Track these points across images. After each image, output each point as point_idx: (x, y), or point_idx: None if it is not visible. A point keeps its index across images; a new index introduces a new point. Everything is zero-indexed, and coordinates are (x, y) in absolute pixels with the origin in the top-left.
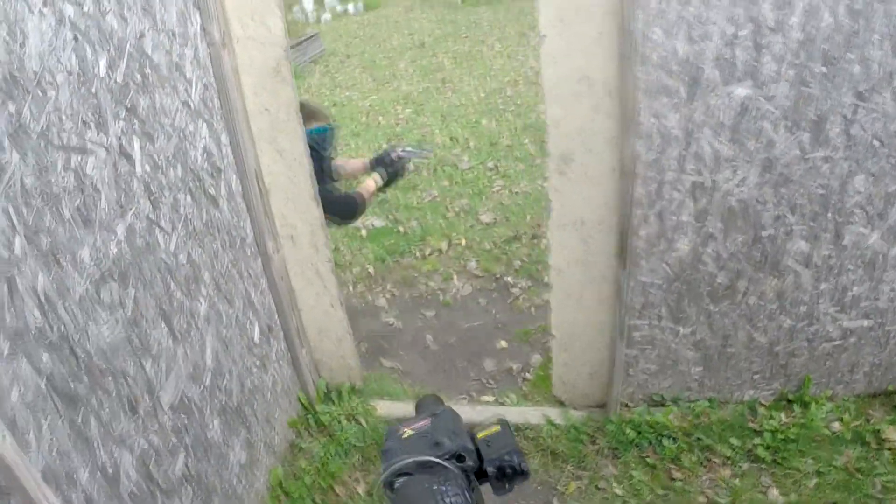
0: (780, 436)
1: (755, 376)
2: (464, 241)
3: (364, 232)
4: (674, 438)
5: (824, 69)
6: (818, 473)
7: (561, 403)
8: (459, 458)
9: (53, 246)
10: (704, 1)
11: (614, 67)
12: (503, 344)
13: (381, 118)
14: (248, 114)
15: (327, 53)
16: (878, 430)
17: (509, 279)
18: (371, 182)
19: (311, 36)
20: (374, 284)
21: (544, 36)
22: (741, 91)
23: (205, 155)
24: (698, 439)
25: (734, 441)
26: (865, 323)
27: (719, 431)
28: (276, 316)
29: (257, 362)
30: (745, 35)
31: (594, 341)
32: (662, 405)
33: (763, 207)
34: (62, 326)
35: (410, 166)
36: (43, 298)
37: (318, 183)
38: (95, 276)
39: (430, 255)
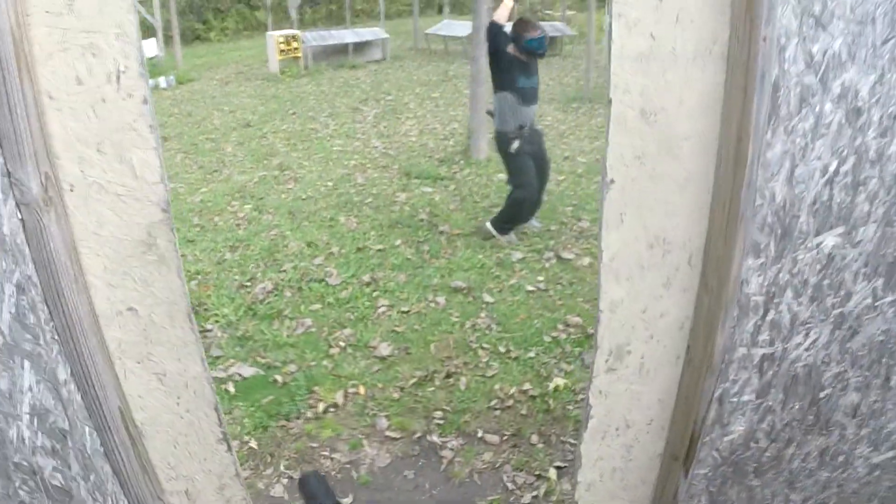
0: None
1: None
2: (362, 389)
3: (231, 386)
4: None
5: None
6: None
7: None
8: None
9: None
10: (812, 129)
11: (701, 225)
12: None
13: (216, 218)
14: (98, 321)
15: None
16: None
17: (435, 438)
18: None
19: None
20: (261, 465)
21: (611, 181)
22: (831, 240)
23: (35, 423)
24: None
25: None
26: (891, 455)
27: None
28: None
29: None
30: (846, 171)
31: None
32: None
33: (826, 368)
34: None
35: None
36: None
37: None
38: None
39: (324, 413)
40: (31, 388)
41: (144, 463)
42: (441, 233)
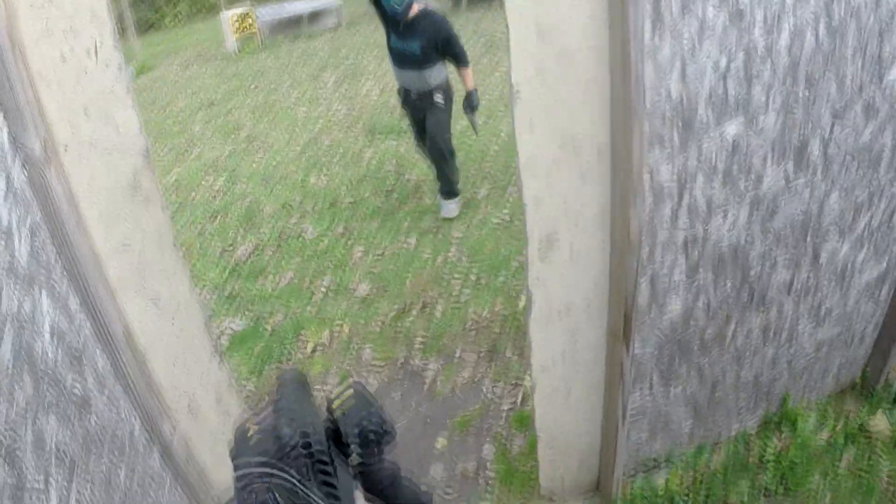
0: (783, 464)
1: (741, 411)
2: (346, 328)
3: (225, 340)
4: (687, 500)
5: (807, 92)
6: (830, 487)
7: (550, 500)
8: (305, 444)
9: None
10: (698, 31)
11: (605, 123)
12: (442, 442)
13: (193, 193)
14: (98, 258)
15: None
16: (862, 425)
17: (416, 362)
18: None
19: None
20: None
21: (518, 92)
22: (733, 128)
23: (55, 339)
24: (708, 495)
25: (744, 484)
26: (836, 331)
27: (724, 478)
28: None
29: None
30: (737, 66)
31: (583, 431)
32: (657, 467)
33: (750, 247)
34: None
35: None
36: None
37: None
38: None
39: (312, 352)
40: (48, 312)
41: (150, 381)
42: (408, 181)
